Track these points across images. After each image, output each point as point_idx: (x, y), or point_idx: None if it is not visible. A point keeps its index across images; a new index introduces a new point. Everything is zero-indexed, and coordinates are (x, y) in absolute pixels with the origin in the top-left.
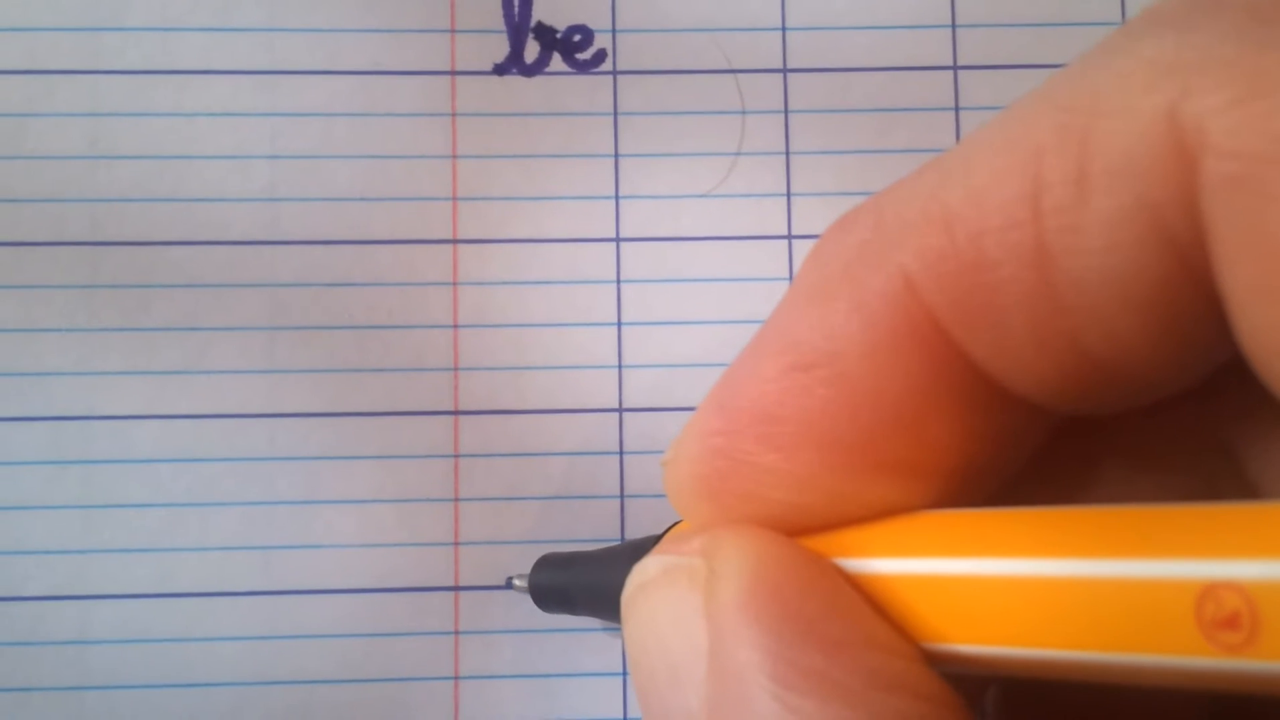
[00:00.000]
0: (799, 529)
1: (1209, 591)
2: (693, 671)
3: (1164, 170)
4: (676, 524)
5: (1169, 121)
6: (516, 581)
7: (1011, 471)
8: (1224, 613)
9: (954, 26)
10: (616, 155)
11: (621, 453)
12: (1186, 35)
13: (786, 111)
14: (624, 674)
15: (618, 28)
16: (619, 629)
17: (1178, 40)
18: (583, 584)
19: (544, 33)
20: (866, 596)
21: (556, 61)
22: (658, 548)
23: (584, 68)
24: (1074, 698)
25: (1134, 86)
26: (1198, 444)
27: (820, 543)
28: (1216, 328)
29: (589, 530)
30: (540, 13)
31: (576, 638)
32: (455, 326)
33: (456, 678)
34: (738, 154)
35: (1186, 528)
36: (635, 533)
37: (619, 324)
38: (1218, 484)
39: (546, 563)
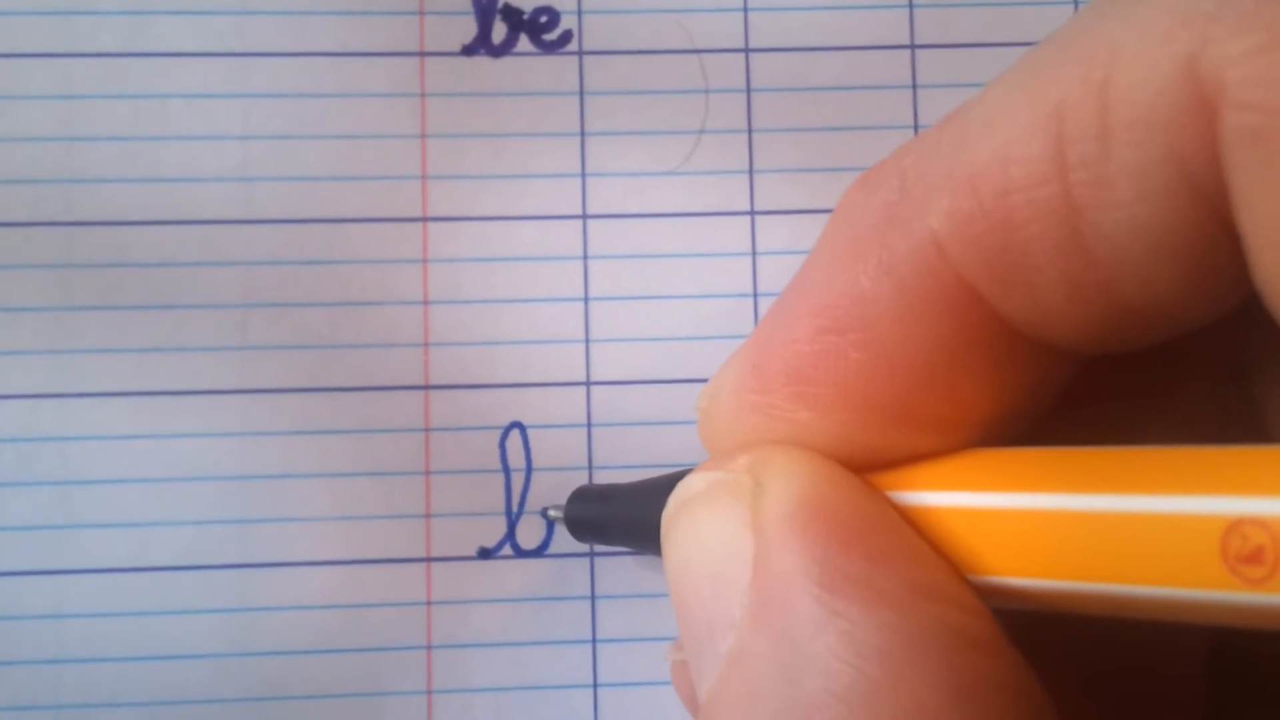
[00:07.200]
0: None
1: (1234, 527)
2: (737, 580)
3: (1186, 121)
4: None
5: (1188, 71)
6: (551, 512)
7: (1041, 411)
8: (1249, 547)
9: (911, 7)
10: (583, 134)
11: (589, 425)
12: None
13: (749, 90)
14: (593, 641)
15: (583, 9)
16: (651, 556)
17: None
18: (619, 515)
19: (511, 14)
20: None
21: (523, 42)
22: (701, 465)
23: (550, 48)
24: (1076, 649)
25: (1152, 36)
26: (1213, 373)
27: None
28: (1242, 265)
29: (558, 499)
30: None
31: (547, 607)
32: (425, 303)
33: (429, 647)
34: (701, 132)
35: (1215, 466)
36: None
37: (586, 299)
38: (1229, 410)
39: (582, 495)
